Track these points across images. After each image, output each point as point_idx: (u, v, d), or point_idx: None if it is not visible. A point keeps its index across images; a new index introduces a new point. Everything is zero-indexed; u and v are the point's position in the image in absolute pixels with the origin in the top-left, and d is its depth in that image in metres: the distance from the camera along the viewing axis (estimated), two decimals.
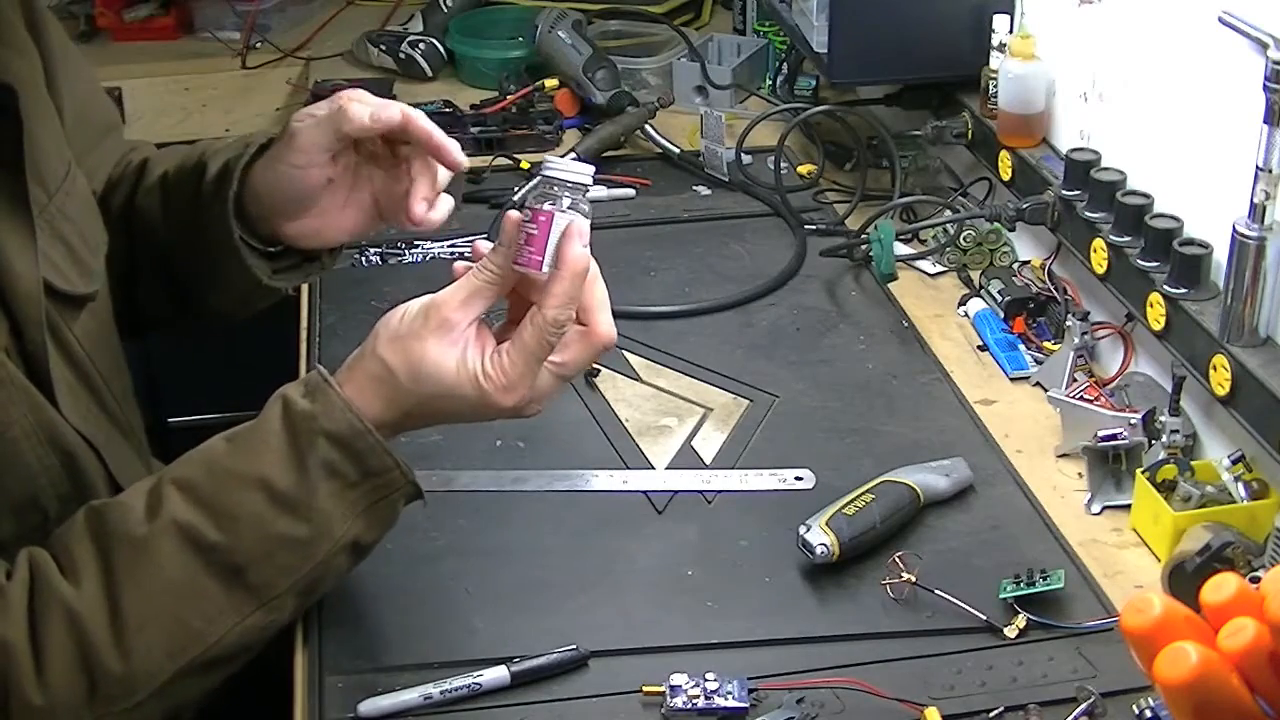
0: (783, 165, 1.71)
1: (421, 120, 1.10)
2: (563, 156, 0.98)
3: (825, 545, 1.10)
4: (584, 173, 0.96)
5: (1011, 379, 1.39)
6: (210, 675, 0.96)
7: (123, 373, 1.17)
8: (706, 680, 1.00)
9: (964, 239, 1.56)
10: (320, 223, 1.17)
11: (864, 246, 1.55)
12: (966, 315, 1.49)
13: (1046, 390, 1.34)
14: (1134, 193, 1.29)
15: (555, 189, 0.96)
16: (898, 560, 1.10)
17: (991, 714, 0.99)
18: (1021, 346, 1.42)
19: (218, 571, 0.94)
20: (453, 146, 1.10)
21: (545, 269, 0.96)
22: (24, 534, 0.98)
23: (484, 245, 1.00)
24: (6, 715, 0.89)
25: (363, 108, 1.09)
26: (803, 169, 1.81)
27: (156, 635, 0.92)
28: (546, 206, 0.96)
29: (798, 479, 1.24)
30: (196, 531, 0.93)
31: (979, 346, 1.45)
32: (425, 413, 1.00)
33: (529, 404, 0.99)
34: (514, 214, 0.98)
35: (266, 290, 1.20)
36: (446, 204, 1.15)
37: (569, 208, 0.96)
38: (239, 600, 0.95)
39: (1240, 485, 1.13)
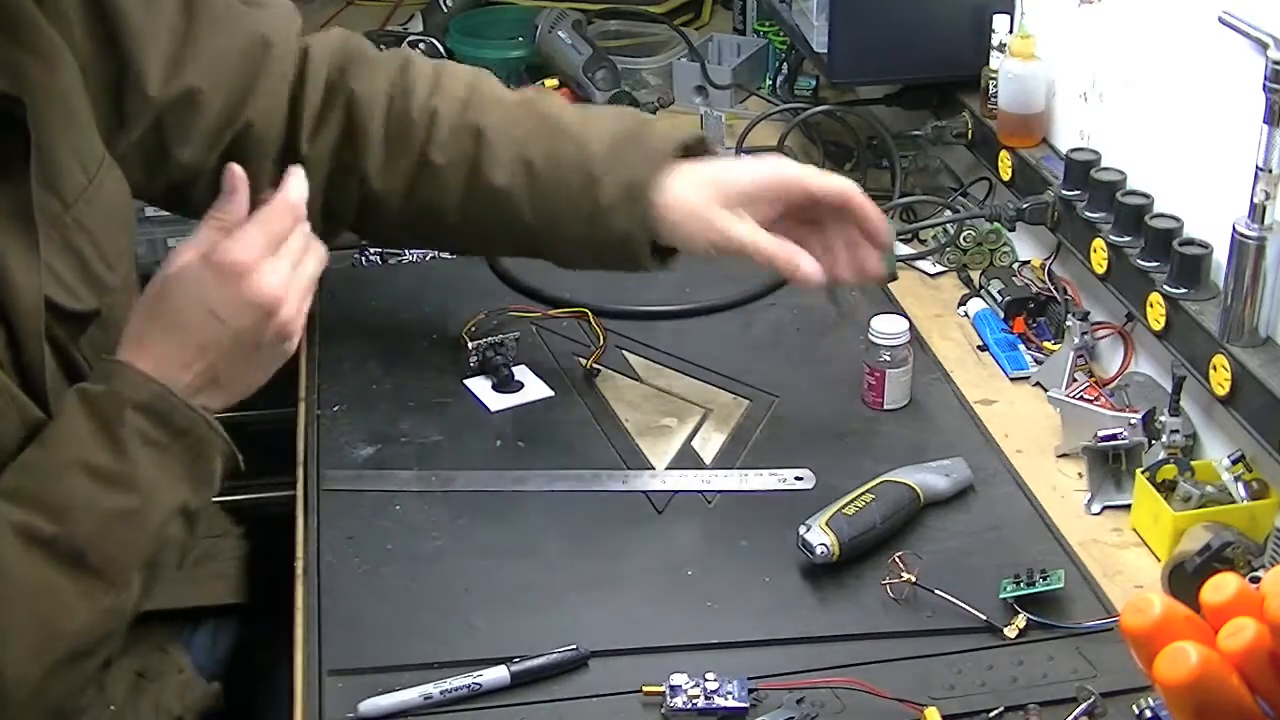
0: None
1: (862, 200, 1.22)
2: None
3: (825, 545, 1.10)
4: (901, 334, 1.30)
5: (1011, 379, 1.39)
6: (78, 668, 0.97)
7: None
8: (706, 680, 1.00)
9: (964, 239, 1.56)
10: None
11: None
12: (966, 315, 1.49)
13: (1046, 390, 1.34)
14: (1134, 193, 1.29)
15: (883, 353, 1.31)
16: (898, 560, 1.10)
17: (991, 714, 0.99)
18: (1021, 346, 1.42)
19: (61, 562, 0.94)
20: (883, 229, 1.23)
21: (887, 407, 1.31)
22: None
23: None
24: None
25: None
26: None
27: (19, 641, 0.92)
28: (882, 364, 1.31)
29: (798, 479, 1.24)
30: (32, 528, 0.93)
31: (979, 346, 1.45)
32: (181, 326, 1.00)
33: (275, 288, 1.02)
34: (236, 166, 1.04)
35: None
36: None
37: (891, 362, 1.31)
38: (87, 586, 0.95)
39: (1240, 485, 1.13)
